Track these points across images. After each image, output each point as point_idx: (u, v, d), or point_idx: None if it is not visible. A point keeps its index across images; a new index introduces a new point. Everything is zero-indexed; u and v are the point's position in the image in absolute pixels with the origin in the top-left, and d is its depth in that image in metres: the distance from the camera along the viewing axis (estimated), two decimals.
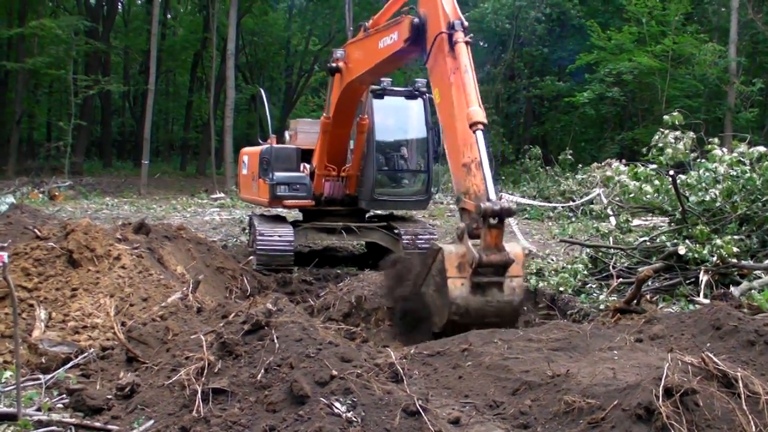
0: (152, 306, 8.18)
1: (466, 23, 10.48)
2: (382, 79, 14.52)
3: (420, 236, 14.69)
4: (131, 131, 60.32)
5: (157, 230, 11.49)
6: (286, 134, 17.17)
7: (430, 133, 15.20)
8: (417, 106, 15.28)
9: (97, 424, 5.60)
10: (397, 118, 15.62)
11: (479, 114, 9.49)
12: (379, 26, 12.40)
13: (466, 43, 10.32)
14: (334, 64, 13.82)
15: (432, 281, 9.33)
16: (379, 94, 14.82)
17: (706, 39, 37.06)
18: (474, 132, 9.42)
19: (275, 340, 5.83)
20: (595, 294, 12.06)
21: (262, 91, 18.96)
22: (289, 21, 55.65)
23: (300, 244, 14.76)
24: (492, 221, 8.86)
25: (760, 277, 10.81)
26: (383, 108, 15.03)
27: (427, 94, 15.23)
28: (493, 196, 9.08)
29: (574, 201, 25.73)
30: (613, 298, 11.35)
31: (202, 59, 51.12)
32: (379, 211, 16.53)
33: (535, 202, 26.46)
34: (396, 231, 14.94)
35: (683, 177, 12.90)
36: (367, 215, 16.05)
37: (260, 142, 16.55)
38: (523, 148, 38.95)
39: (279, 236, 14.28)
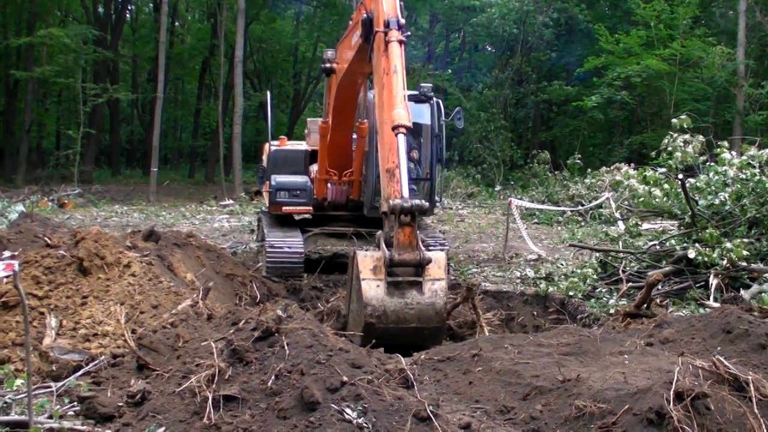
0: (162, 313, 8.20)
1: (402, 21, 10.31)
2: None
3: (431, 247, 14.54)
4: (140, 139, 60.36)
5: (166, 237, 11.50)
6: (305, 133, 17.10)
7: (434, 139, 15.08)
8: (423, 110, 15.13)
9: None
10: None
11: (402, 116, 9.37)
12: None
13: (400, 42, 10.13)
14: (327, 65, 13.68)
15: (352, 289, 9.11)
16: None
17: (714, 42, 36.99)
18: (396, 135, 9.28)
19: (286, 347, 5.83)
20: (605, 298, 12.05)
21: (269, 94, 18.94)
22: (296, 28, 55.69)
23: (309, 250, 14.70)
24: (403, 219, 8.71)
25: None
26: None
27: (435, 99, 15.15)
28: (406, 194, 8.91)
29: (583, 205, 25.70)
30: (623, 302, 11.34)
31: (210, 67, 51.16)
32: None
33: (544, 207, 26.41)
34: None
35: (692, 180, 12.89)
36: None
37: (270, 143, 16.46)
38: (532, 153, 38.91)
39: (288, 248, 14.19)
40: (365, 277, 8.57)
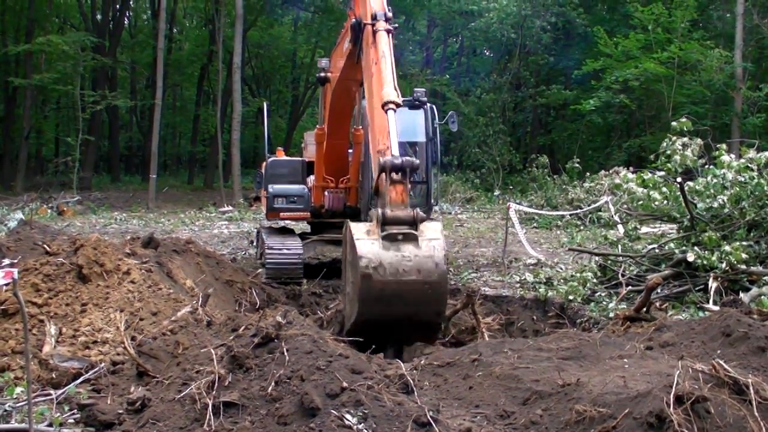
0: (162, 320, 8.19)
1: (389, 14, 10.41)
2: None
3: None
4: (139, 146, 60.44)
5: (165, 244, 11.50)
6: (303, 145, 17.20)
7: (430, 143, 15.13)
8: (417, 115, 15.20)
9: None
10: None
11: (391, 94, 9.29)
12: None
13: (387, 31, 10.20)
14: (321, 74, 13.74)
15: (347, 264, 8.77)
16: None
17: (712, 45, 37.03)
18: (386, 112, 9.21)
19: (285, 353, 5.83)
20: (604, 302, 12.05)
21: (266, 105, 19.00)
22: (294, 33, 55.74)
23: (309, 257, 14.72)
24: (395, 176, 8.58)
25: None
26: None
27: (429, 104, 15.22)
28: (396, 152, 8.81)
29: (581, 209, 25.70)
30: (622, 306, 11.33)
31: (209, 73, 51.24)
32: None
33: (543, 212, 26.42)
34: None
35: (691, 183, 12.89)
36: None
37: (267, 155, 16.54)
38: (531, 157, 38.97)
39: (288, 250, 14.24)
40: (359, 238, 8.24)
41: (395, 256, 8.12)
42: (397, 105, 9.31)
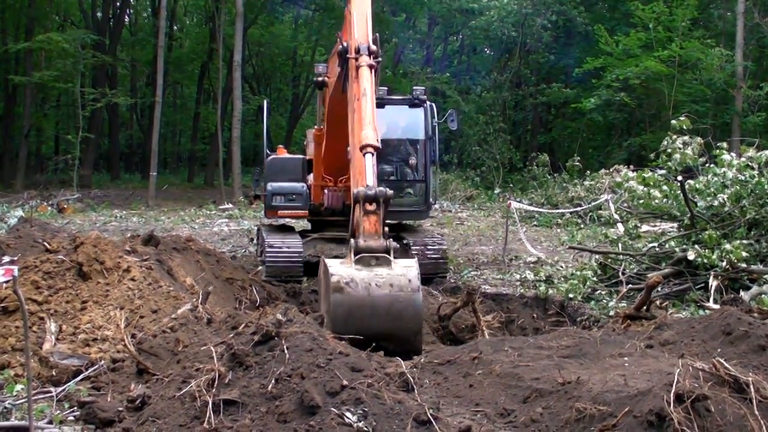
0: (162, 318, 8.19)
1: (373, 47, 10.41)
2: (379, 88, 14.42)
3: (429, 246, 14.55)
4: (139, 143, 60.41)
5: (165, 242, 11.48)
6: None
7: (428, 142, 15.15)
8: (417, 114, 15.21)
9: None
10: (395, 127, 15.51)
11: (369, 137, 9.34)
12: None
13: (370, 66, 10.21)
14: (319, 79, 13.72)
15: (321, 297, 8.79)
16: (379, 104, 14.70)
17: (713, 44, 37.01)
18: (364, 155, 9.23)
19: (285, 351, 5.83)
20: (604, 300, 12.05)
21: (266, 103, 18.99)
22: (295, 31, 55.70)
23: (309, 255, 14.70)
24: (368, 207, 8.60)
25: None
26: (381, 117, 14.92)
27: (428, 103, 15.23)
28: (371, 182, 8.83)
29: (581, 206, 25.69)
30: (622, 304, 11.34)
31: (209, 71, 51.18)
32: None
33: (543, 210, 26.41)
34: (405, 241, 14.75)
35: (692, 182, 12.90)
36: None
37: (267, 153, 16.51)
38: (531, 156, 38.93)
39: (288, 247, 14.21)
40: (332, 265, 8.25)
41: (368, 273, 8.10)
42: (375, 149, 9.34)
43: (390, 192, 8.97)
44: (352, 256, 8.28)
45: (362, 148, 9.28)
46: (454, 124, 15.61)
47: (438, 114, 15.38)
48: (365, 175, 9.06)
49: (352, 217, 8.99)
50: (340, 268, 8.16)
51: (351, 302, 7.82)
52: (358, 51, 10.32)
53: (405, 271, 8.23)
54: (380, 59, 10.64)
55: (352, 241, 8.41)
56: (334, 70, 13.07)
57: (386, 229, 8.69)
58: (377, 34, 10.83)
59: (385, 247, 8.35)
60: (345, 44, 10.75)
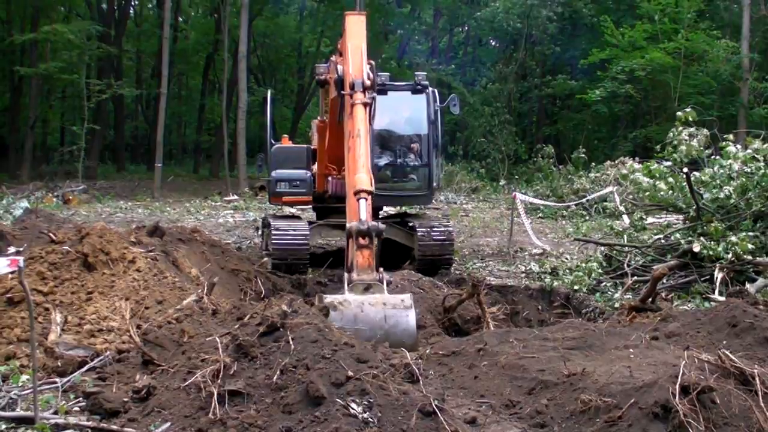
0: (167, 309, 8.20)
1: (367, 82, 10.38)
2: (380, 74, 14.38)
3: (435, 230, 14.53)
4: (144, 135, 60.48)
5: (171, 233, 11.48)
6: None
7: (431, 127, 15.14)
8: (420, 100, 15.18)
9: (114, 427, 5.60)
10: (398, 113, 15.48)
11: (363, 182, 9.40)
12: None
13: (364, 104, 10.20)
14: (321, 78, 13.75)
15: None
16: (382, 90, 14.64)
17: (719, 36, 36.93)
18: (358, 200, 9.27)
19: (291, 342, 5.83)
20: (609, 292, 12.05)
21: (269, 93, 19.03)
22: (300, 22, 55.64)
23: (315, 244, 14.70)
24: (361, 241, 8.68)
25: None
26: (384, 103, 14.87)
27: (431, 88, 15.23)
28: (364, 217, 8.92)
29: (587, 198, 25.65)
30: (628, 296, 11.34)
31: (214, 62, 51.15)
32: (390, 209, 16.45)
33: (548, 202, 26.36)
34: (410, 226, 14.77)
35: (697, 174, 12.88)
36: (380, 212, 15.92)
37: (272, 142, 16.52)
38: (536, 147, 38.87)
39: (294, 230, 14.19)
40: (327, 296, 8.29)
41: (361, 296, 8.17)
42: (369, 193, 9.38)
43: (382, 227, 9.16)
44: (347, 286, 8.38)
45: (356, 193, 9.35)
46: (456, 108, 15.62)
47: (439, 100, 15.36)
48: (359, 215, 9.12)
49: (347, 252, 9.05)
50: (334, 295, 8.34)
51: (344, 318, 7.78)
52: (353, 87, 10.32)
53: (398, 295, 8.38)
54: (374, 95, 10.59)
55: (346, 275, 8.50)
56: (334, 72, 13.15)
57: (382, 269, 8.71)
58: (372, 62, 10.83)
59: (377, 279, 8.43)
60: (339, 74, 10.81)
